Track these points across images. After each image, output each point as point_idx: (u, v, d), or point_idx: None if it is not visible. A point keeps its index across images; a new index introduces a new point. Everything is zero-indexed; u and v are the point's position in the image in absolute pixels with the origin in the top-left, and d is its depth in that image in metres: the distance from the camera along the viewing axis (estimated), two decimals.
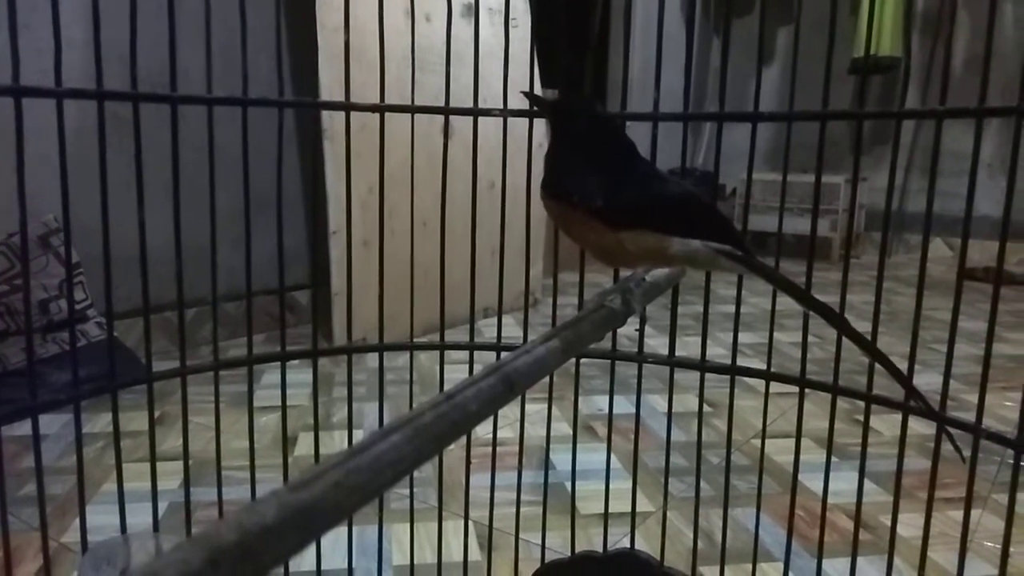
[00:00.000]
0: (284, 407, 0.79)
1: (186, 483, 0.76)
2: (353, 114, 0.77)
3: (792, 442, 0.75)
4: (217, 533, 0.21)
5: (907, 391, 0.61)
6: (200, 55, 0.68)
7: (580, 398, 0.84)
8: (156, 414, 0.74)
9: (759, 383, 0.77)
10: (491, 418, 0.41)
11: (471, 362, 0.83)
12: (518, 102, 0.80)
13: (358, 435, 1.43)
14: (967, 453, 0.62)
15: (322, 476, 0.25)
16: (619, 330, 0.63)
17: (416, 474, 1.20)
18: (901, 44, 3.94)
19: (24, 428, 0.67)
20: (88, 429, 1.45)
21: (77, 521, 0.70)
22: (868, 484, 1.24)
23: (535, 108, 0.74)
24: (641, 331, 0.79)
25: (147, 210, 0.68)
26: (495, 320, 0.78)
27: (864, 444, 0.71)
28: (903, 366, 0.62)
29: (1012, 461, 0.62)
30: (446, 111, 0.80)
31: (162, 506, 0.81)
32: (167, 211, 0.69)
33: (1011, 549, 0.62)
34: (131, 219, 0.67)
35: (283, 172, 0.75)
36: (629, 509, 0.84)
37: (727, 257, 0.56)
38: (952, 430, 0.64)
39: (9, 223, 1.61)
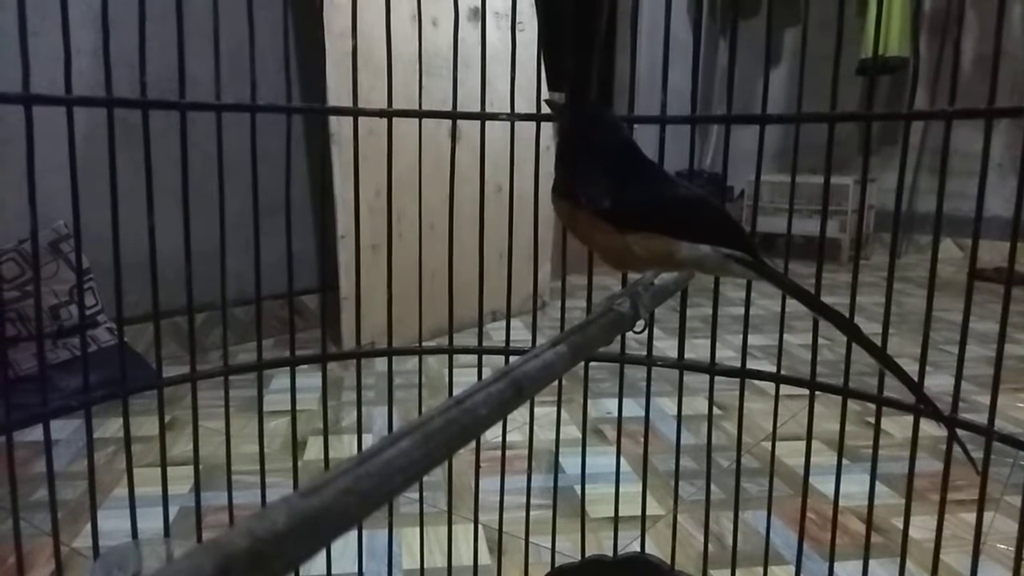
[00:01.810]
0: (293, 411, 0.79)
1: (196, 488, 0.76)
2: (361, 119, 0.78)
3: (803, 444, 0.75)
4: (228, 540, 0.21)
5: (918, 398, 0.60)
6: (208, 62, 0.69)
7: (589, 401, 0.83)
8: (166, 419, 0.74)
9: (769, 386, 0.76)
10: (500, 422, 0.41)
11: (479, 366, 0.83)
12: (525, 106, 0.80)
13: (367, 439, 1.43)
14: (979, 454, 0.62)
15: (332, 482, 0.25)
16: (628, 333, 0.63)
17: (425, 478, 1.20)
18: (909, 45, 3.92)
19: (36, 433, 0.67)
20: (99, 434, 1.45)
21: (88, 526, 0.71)
22: (879, 486, 1.23)
23: (543, 112, 0.74)
24: (650, 333, 0.79)
25: (157, 216, 0.69)
26: (503, 323, 0.78)
27: (875, 446, 0.71)
28: (914, 368, 0.62)
29: None
30: (453, 115, 0.80)
31: (172, 511, 0.81)
32: (176, 217, 0.69)
33: None
34: (141, 225, 0.68)
35: (291, 177, 0.75)
36: (639, 512, 0.84)
37: (737, 262, 0.56)
38: (964, 432, 0.63)
39: (20, 229, 1.62)
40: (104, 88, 0.65)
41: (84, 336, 0.70)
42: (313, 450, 1.42)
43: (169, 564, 0.20)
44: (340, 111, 0.81)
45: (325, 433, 0.83)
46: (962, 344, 0.64)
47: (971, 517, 0.68)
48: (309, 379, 1.20)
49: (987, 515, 1.19)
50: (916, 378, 0.60)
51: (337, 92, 1.98)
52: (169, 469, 0.73)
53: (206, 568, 0.20)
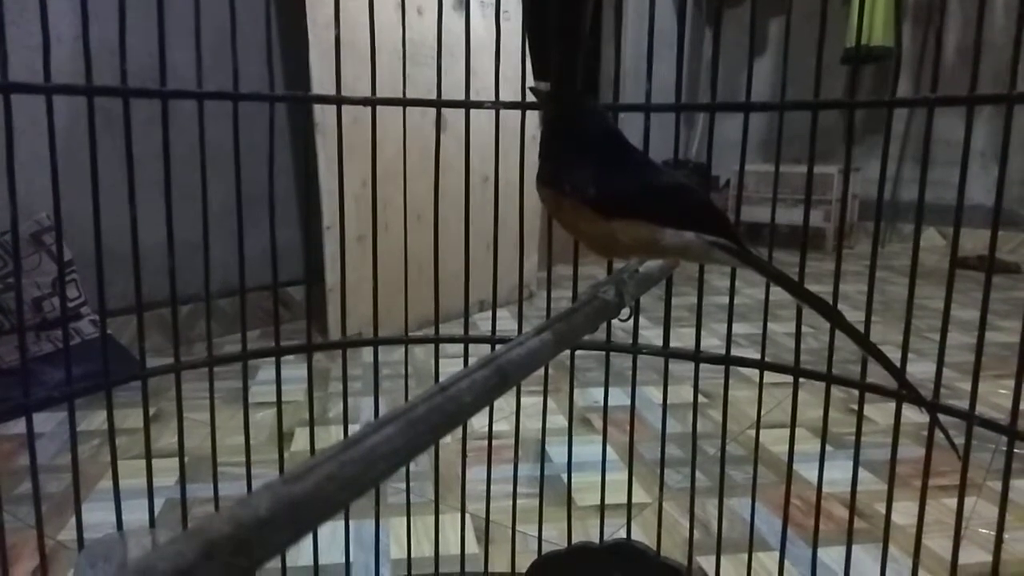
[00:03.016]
0: (279, 402, 0.79)
1: (182, 480, 0.76)
2: (345, 108, 0.77)
3: (787, 431, 0.76)
4: (211, 526, 0.21)
5: (900, 384, 0.61)
6: (190, 50, 0.68)
7: (576, 390, 0.84)
8: (151, 411, 0.73)
9: (754, 373, 0.77)
10: (487, 411, 0.41)
11: (466, 355, 0.83)
12: (510, 95, 0.79)
13: (354, 430, 1.43)
14: (961, 440, 0.63)
15: (316, 469, 0.25)
16: (614, 321, 0.63)
17: (413, 468, 1.20)
18: (893, 34, 3.94)
19: (19, 427, 0.67)
20: (83, 427, 1.45)
21: (73, 519, 0.70)
22: (863, 472, 1.24)
23: (528, 100, 0.74)
24: (635, 321, 0.79)
25: (139, 207, 0.68)
26: (490, 313, 0.78)
27: (858, 433, 0.72)
28: (896, 355, 0.62)
29: (1006, 448, 0.62)
30: (438, 104, 0.80)
31: (158, 503, 0.80)
32: (159, 207, 0.68)
33: (1005, 535, 0.63)
34: (123, 216, 0.67)
35: (275, 167, 0.75)
36: (625, 500, 0.84)
37: (721, 249, 0.56)
38: (946, 418, 0.64)
39: (1, 221, 1.60)
40: (84, 77, 0.65)
41: (67, 328, 0.70)
42: (300, 441, 1.42)
43: (153, 550, 0.20)
44: (323, 99, 0.81)
45: (311, 424, 0.82)
46: (943, 331, 0.65)
47: (953, 502, 0.68)
48: (295, 370, 1.19)
49: (969, 500, 1.20)
50: (899, 365, 0.61)
51: (321, 81, 1.97)
52: (154, 461, 0.73)
53: (189, 554, 0.20)
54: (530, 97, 0.69)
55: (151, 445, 0.73)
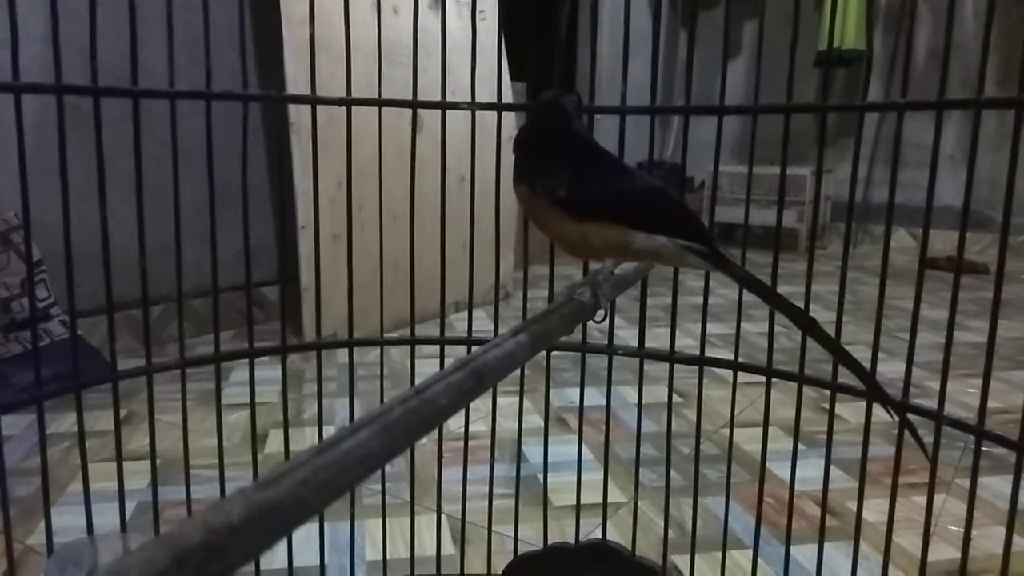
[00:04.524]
0: (253, 404, 0.78)
1: (154, 483, 0.75)
2: (320, 107, 0.77)
3: (760, 431, 0.76)
4: (183, 532, 0.21)
5: (870, 388, 0.61)
6: (162, 48, 0.67)
7: (551, 390, 0.84)
8: (122, 413, 0.73)
9: (727, 373, 0.77)
10: (463, 412, 0.41)
11: (442, 356, 0.83)
12: (486, 94, 0.79)
13: (329, 432, 1.42)
14: (930, 439, 0.64)
15: (289, 474, 0.25)
16: (589, 322, 0.63)
17: (388, 469, 1.19)
18: (864, 37, 3.99)
19: None
20: (53, 429, 1.42)
21: (43, 523, 0.69)
22: (834, 471, 1.26)
23: (504, 101, 0.74)
24: (611, 322, 0.80)
25: (110, 206, 0.67)
26: (466, 314, 0.78)
27: (830, 432, 0.72)
28: (868, 355, 0.63)
29: (974, 447, 0.63)
30: (414, 104, 0.79)
31: (130, 506, 0.79)
32: (131, 207, 0.67)
33: (973, 532, 0.64)
34: (94, 215, 0.66)
35: (249, 166, 0.74)
36: (601, 500, 0.84)
37: (694, 254, 0.57)
38: (915, 417, 0.65)
39: None
40: (54, 75, 0.64)
41: (36, 329, 0.69)
42: (274, 443, 1.41)
43: (123, 558, 0.20)
44: (298, 99, 0.80)
45: (285, 426, 0.82)
46: (913, 331, 0.66)
47: (923, 500, 0.69)
48: (269, 371, 1.18)
49: (938, 498, 1.22)
50: (870, 365, 0.61)
51: (296, 80, 1.96)
52: (126, 464, 0.72)
53: (161, 562, 0.20)
54: (506, 98, 0.69)
55: (122, 448, 0.72)
